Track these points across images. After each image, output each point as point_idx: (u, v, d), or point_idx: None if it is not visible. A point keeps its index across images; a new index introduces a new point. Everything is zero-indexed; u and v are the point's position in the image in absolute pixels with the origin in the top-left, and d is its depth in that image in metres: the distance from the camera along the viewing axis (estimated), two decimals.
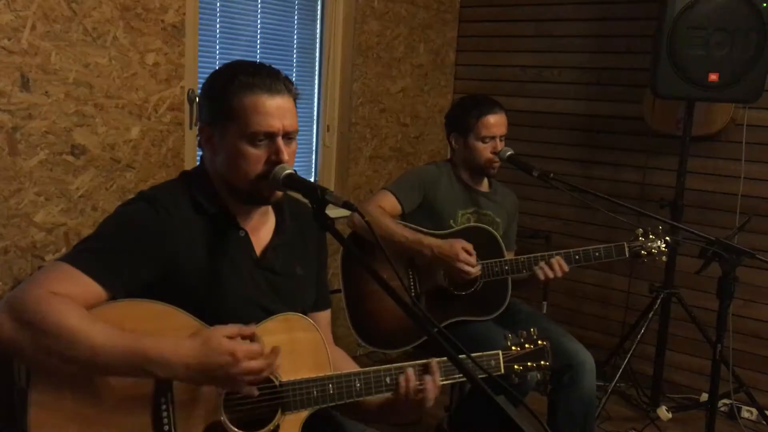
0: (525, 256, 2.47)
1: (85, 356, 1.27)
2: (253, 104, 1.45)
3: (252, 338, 1.38)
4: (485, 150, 2.56)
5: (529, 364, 1.79)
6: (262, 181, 1.48)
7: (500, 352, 1.77)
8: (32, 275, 1.36)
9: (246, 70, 1.49)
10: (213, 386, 1.39)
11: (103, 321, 1.32)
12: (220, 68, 1.55)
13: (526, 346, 1.80)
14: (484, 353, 1.75)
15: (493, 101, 2.60)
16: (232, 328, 1.37)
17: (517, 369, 1.78)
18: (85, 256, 1.38)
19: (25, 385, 1.30)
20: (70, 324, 1.26)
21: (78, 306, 1.30)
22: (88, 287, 1.34)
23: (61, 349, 1.26)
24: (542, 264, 2.43)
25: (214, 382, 1.37)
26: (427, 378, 1.57)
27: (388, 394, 1.58)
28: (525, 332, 1.82)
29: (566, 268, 2.43)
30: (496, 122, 2.55)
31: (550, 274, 2.41)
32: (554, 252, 2.47)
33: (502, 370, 1.76)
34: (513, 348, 1.79)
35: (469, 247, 2.39)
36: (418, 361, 1.60)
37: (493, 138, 2.55)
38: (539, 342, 1.81)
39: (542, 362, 1.80)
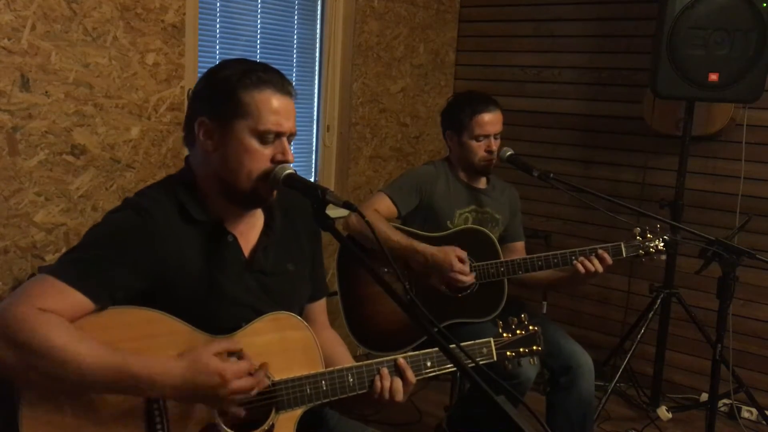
0: (521, 257, 2.47)
1: (74, 376, 1.26)
2: (268, 101, 1.44)
3: (240, 354, 1.39)
4: (479, 148, 2.53)
5: (521, 350, 1.78)
6: (262, 181, 1.47)
7: (491, 340, 1.76)
8: (18, 289, 1.34)
9: (258, 67, 1.48)
10: (202, 405, 1.39)
11: (92, 330, 1.31)
12: (227, 62, 1.51)
13: (518, 332, 1.79)
14: (476, 341, 1.74)
15: (488, 98, 2.57)
16: (219, 345, 1.38)
17: (510, 356, 1.77)
18: (71, 268, 1.35)
19: (16, 397, 1.28)
20: (59, 343, 1.25)
21: (66, 323, 1.29)
22: (75, 300, 1.32)
23: (49, 368, 1.25)
24: (581, 258, 2.38)
25: (202, 401, 1.37)
26: (396, 377, 1.57)
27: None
28: (516, 318, 1.80)
29: (609, 261, 2.38)
30: (490, 120, 2.52)
31: (592, 268, 2.36)
32: (548, 253, 2.44)
33: (495, 358, 1.75)
34: (504, 335, 1.78)
35: (463, 255, 2.38)
36: (386, 358, 1.60)
37: (487, 136, 2.53)
38: (530, 327, 1.80)
39: (534, 347, 1.79)
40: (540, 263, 2.45)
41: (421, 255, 2.38)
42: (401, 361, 1.58)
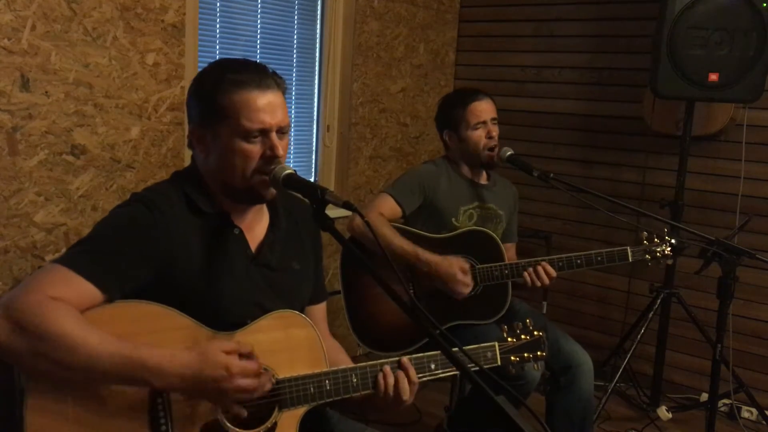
0: (525, 260, 2.46)
1: (83, 364, 1.26)
2: (245, 102, 1.44)
3: (249, 356, 1.39)
4: (480, 137, 2.54)
5: (525, 355, 1.78)
6: (257, 177, 1.47)
7: (496, 344, 1.76)
8: (28, 278, 1.35)
9: (234, 67, 1.48)
10: (204, 400, 1.39)
11: (99, 323, 1.32)
12: (205, 69, 1.54)
13: (523, 337, 1.79)
14: (480, 345, 1.74)
15: (475, 89, 2.61)
16: (230, 344, 1.38)
17: (514, 360, 1.76)
18: (81, 258, 1.37)
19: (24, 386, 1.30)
20: (68, 330, 1.26)
21: (75, 312, 1.30)
22: (84, 289, 1.34)
23: (58, 355, 1.25)
24: (530, 270, 2.41)
25: (205, 395, 1.37)
26: (400, 374, 1.56)
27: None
28: (521, 323, 1.81)
29: (553, 273, 2.42)
30: (483, 107, 2.54)
31: (537, 282, 2.40)
32: (553, 257, 2.45)
33: (499, 362, 1.75)
34: (509, 339, 1.78)
35: (466, 266, 2.38)
36: (391, 359, 1.60)
37: (484, 123, 2.54)
38: (535, 333, 1.80)
39: (539, 353, 1.79)
40: None
41: (424, 264, 2.38)
42: (404, 359, 1.58)
